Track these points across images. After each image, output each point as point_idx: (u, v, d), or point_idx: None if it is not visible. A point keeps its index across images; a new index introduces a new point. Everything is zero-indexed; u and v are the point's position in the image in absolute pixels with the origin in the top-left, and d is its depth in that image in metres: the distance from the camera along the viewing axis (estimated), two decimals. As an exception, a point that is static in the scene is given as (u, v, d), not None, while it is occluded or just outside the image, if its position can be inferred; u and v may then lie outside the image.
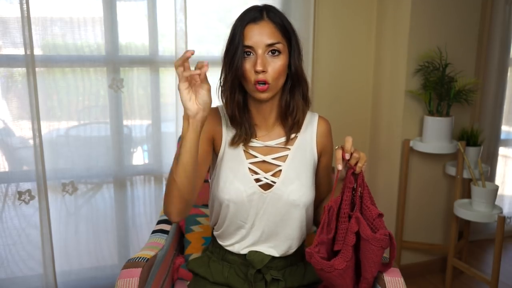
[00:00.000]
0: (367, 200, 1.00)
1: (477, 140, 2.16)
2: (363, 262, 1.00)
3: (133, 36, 1.95)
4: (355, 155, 0.98)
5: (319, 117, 1.20)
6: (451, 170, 2.21)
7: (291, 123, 1.13)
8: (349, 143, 0.99)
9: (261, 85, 1.03)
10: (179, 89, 0.94)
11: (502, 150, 2.80)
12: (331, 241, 1.02)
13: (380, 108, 2.31)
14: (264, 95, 1.05)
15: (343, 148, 0.99)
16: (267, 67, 1.02)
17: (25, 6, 1.69)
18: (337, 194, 1.04)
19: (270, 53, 1.03)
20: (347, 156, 0.99)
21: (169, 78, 2.01)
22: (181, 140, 0.97)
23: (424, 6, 2.08)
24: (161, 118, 2.05)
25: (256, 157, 1.13)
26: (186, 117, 0.95)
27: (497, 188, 2.04)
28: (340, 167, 0.98)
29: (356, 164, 0.99)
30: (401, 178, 2.20)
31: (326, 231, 1.01)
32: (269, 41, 1.02)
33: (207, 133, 1.13)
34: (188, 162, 0.97)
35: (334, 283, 1.00)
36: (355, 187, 1.01)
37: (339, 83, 2.30)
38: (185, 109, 0.94)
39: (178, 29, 1.92)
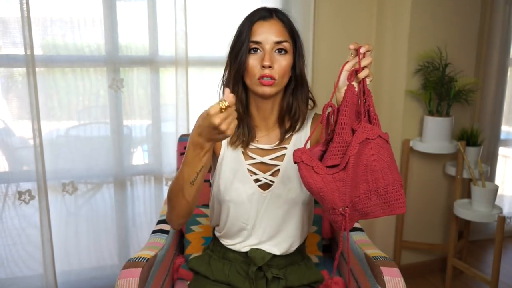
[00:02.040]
0: (373, 113, 0.91)
1: (477, 140, 2.16)
2: (388, 170, 0.89)
3: (133, 36, 1.95)
4: (369, 57, 0.92)
5: (316, 113, 1.21)
6: (451, 170, 2.21)
7: (290, 124, 1.14)
8: (371, 45, 0.93)
9: (267, 79, 1.03)
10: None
11: (502, 150, 2.80)
12: (321, 152, 0.93)
13: (380, 108, 2.30)
14: (268, 90, 1.05)
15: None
16: (274, 63, 1.04)
17: (25, 6, 1.69)
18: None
19: (277, 51, 1.05)
20: (362, 50, 0.91)
21: (169, 78, 2.01)
22: (192, 164, 0.98)
23: (424, 6, 2.08)
24: (161, 118, 2.05)
25: (254, 158, 1.13)
26: (203, 144, 0.94)
27: (497, 188, 2.04)
28: (352, 46, 0.92)
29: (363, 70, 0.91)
30: (401, 178, 2.20)
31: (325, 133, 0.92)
32: (278, 39, 1.04)
33: None
34: (201, 183, 1.02)
35: (319, 189, 0.89)
36: (358, 94, 0.91)
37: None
38: (214, 140, 0.94)
39: (178, 29, 1.92)
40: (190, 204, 1.05)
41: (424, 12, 2.08)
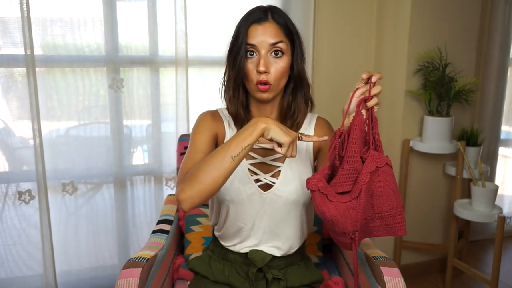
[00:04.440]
0: (378, 140, 0.95)
1: (477, 140, 2.16)
2: (393, 195, 0.94)
3: (133, 36, 1.95)
4: (379, 86, 0.94)
5: (318, 117, 1.21)
6: (451, 170, 2.21)
7: (290, 124, 1.13)
8: (381, 73, 0.94)
9: (263, 85, 1.04)
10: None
11: (502, 150, 2.80)
12: (328, 176, 0.96)
13: (380, 108, 2.30)
14: (265, 95, 1.05)
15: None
16: (269, 68, 1.03)
17: (25, 6, 1.69)
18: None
19: (273, 53, 1.04)
20: (373, 79, 0.92)
21: (169, 78, 2.01)
22: (242, 137, 0.95)
23: (424, 6, 2.08)
24: (161, 118, 2.05)
25: (255, 158, 1.13)
26: (262, 129, 0.94)
27: (497, 188, 2.04)
28: (365, 75, 0.93)
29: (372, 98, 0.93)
30: (401, 178, 2.20)
31: (335, 158, 0.93)
32: (273, 41, 1.03)
33: (212, 132, 1.13)
34: (238, 164, 0.96)
35: (333, 217, 0.91)
36: (366, 122, 0.94)
37: (339, 83, 2.30)
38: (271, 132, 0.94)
39: (178, 29, 1.92)
40: (219, 179, 0.94)
41: (424, 12, 2.08)
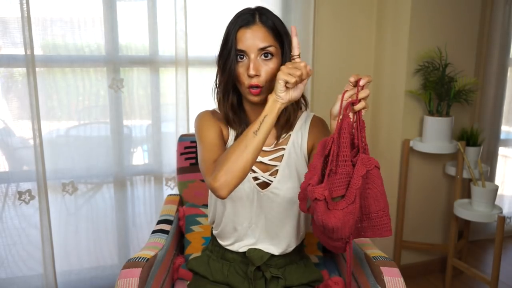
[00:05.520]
0: (364, 143, 0.95)
1: (477, 140, 2.16)
2: (380, 197, 0.96)
3: (133, 36, 1.95)
4: (367, 90, 0.94)
5: (314, 115, 1.21)
6: (451, 170, 2.21)
7: (283, 122, 1.13)
8: (370, 76, 0.95)
9: (254, 88, 1.04)
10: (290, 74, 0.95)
11: (502, 150, 2.80)
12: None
13: (380, 108, 2.31)
14: (257, 98, 1.06)
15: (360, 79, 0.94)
16: (260, 71, 1.03)
17: (25, 6, 1.69)
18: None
19: (262, 56, 1.04)
20: (362, 82, 0.92)
21: (169, 78, 2.01)
22: (264, 117, 0.97)
23: (424, 6, 2.08)
24: (161, 118, 2.05)
25: None
26: (276, 100, 0.97)
27: (497, 188, 2.04)
28: (353, 79, 0.93)
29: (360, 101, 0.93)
30: (401, 178, 2.20)
31: (331, 164, 0.93)
32: (262, 45, 1.03)
33: (218, 127, 1.13)
34: (263, 138, 0.97)
35: (334, 225, 0.90)
36: (353, 125, 0.94)
37: (339, 83, 2.28)
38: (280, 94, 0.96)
39: (178, 29, 1.92)
40: (247, 157, 0.95)
41: (424, 12, 2.08)
